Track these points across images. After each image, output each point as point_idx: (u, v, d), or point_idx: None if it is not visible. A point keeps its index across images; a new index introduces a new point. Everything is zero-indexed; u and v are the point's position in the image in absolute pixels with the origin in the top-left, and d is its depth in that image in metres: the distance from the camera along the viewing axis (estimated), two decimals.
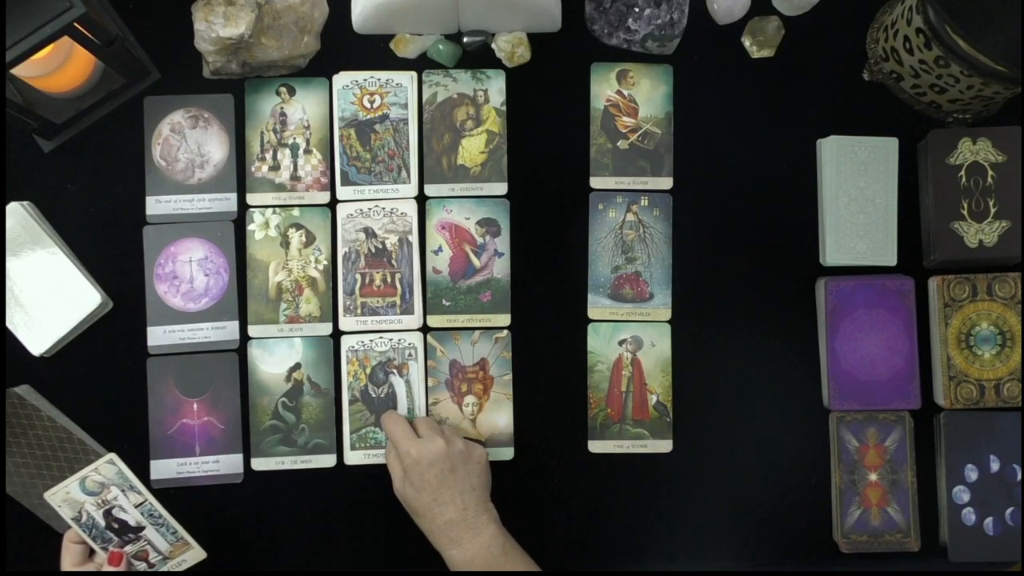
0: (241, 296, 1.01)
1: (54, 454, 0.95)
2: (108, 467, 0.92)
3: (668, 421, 1.02)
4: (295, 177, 1.02)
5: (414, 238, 1.02)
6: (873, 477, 0.99)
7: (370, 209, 1.02)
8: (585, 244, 1.02)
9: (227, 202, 1.02)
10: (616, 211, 1.03)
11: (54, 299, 0.98)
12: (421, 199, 1.03)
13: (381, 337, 1.01)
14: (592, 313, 1.02)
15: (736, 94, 1.04)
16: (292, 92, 1.03)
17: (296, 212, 1.02)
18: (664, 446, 1.02)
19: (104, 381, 1.00)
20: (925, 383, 1.01)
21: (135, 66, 1.00)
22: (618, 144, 1.03)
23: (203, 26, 0.96)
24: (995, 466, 0.99)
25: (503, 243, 1.02)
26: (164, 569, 0.95)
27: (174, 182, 1.02)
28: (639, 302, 1.02)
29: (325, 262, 1.02)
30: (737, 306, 1.02)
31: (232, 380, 1.01)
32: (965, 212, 0.99)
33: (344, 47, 1.03)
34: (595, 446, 1.02)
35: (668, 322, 1.02)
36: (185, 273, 1.01)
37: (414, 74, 1.03)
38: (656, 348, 1.02)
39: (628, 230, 1.03)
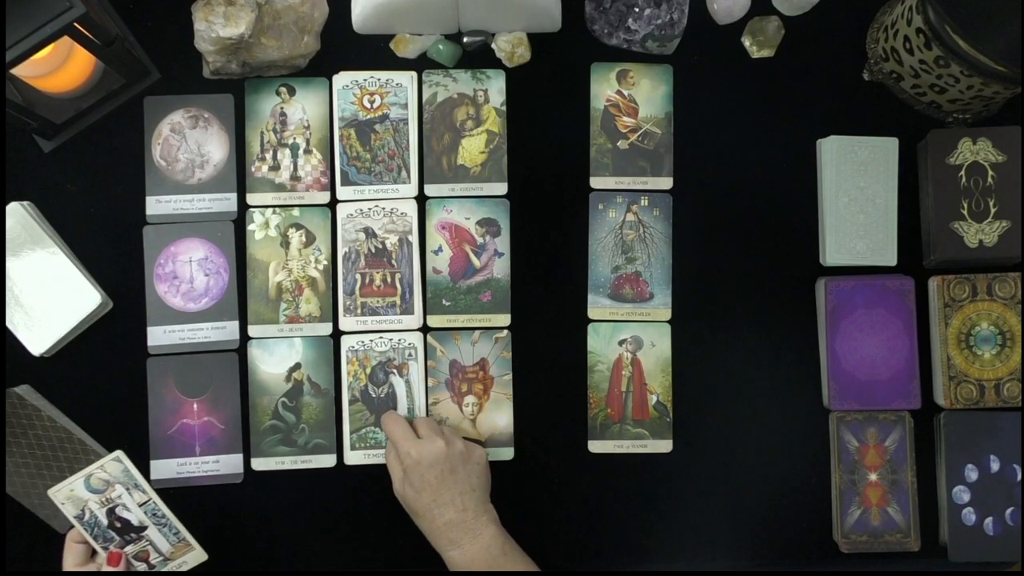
0: (241, 296, 1.01)
1: (54, 454, 0.95)
2: (114, 464, 0.92)
3: (668, 421, 1.02)
4: (295, 177, 1.02)
5: (414, 238, 1.02)
6: (873, 477, 0.99)
7: (370, 209, 1.02)
8: (585, 244, 1.02)
9: (227, 202, 1.02)
10: (616, 211, 1.03)
11: (54, 299, 0.97)
12: (421, 199, 1.03)
13: (381, 337, 1.01)
14: (592, 313, 1.02)
15: (736, 94, 1.04)
16: (292, 92, 1.03)
17: (296, 212, 1.02)
18: (664, 446, 1.02)
19: (104, 381, 1.00)
20: (925, 383, 1.01)
21: (135, 66, 1.00)
22: (618, 144, 1.03)
23: (203, 26, 0.96)
24: (995, 466, 0.99)
25: (503, 243, 1.02)
26: (165, 570, 0.95)
27: (174, 182, 1.02)
28: (639, 302, 1.02)
29: (325, 262, 1.02)
30: (737, 306, 1.02)
31: (232, 380, 1.01)
32: (965, 212, 0.99)
33: (344, 47, 1.03)
34: (595, 446, 1.02)
35: (668, 322, 1.02)
36: (185, 273, 1.01)
37: (414, 74, 1.03)
38: (656, 348, 1.02)
39: (628, 230, 1.03)
